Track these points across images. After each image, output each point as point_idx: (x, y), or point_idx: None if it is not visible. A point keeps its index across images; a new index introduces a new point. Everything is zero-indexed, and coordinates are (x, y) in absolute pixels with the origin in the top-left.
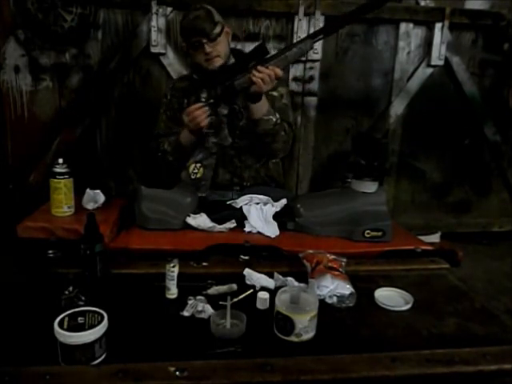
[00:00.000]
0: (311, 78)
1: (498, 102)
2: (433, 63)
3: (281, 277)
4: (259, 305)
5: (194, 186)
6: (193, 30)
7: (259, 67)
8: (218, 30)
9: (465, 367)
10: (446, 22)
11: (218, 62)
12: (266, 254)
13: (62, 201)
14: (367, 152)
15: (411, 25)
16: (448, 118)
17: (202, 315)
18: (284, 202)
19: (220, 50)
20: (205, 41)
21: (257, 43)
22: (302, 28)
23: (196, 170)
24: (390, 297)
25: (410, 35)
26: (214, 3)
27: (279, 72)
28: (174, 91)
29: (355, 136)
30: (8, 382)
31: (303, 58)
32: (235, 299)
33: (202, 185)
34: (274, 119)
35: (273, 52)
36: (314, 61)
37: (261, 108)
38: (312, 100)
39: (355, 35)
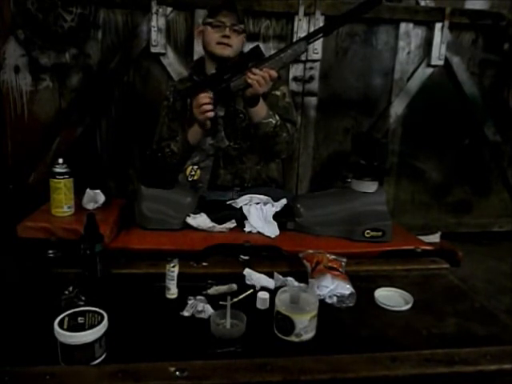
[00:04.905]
0: (311, 78)
1: (498, 102)
2: (433, 63)
3: (281, 277)
4: (259, 305)
5: (192, 189)
6: (227, 6)
7: (254, 69)
8: (243, 26)
9: (465, 367)
10: (446, 22)
11: (228, 50)
12: (266, 254)
13: (62, 201)
14: (367, 152)
15: (411, 25)
16: (448, 117)
17: (202, 315)
18: (284, 201)
19: (235, 43)
20: (229, 24)
21: (252, 45)
22: (302, 28)
23: (193, 172)
24: (390, 297)
25: (410, 35)
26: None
27: (274, 74)
28: (176, 94)
29: (355, 136)
30: (8, 382)
31: (303, 58)
32: (235, 299)
33: (200, 187)
34: (274, 121)
35: (272, 52)
36: (314, 61)
37: (259, 112)
38: (312, 100)
39: (355, 35)
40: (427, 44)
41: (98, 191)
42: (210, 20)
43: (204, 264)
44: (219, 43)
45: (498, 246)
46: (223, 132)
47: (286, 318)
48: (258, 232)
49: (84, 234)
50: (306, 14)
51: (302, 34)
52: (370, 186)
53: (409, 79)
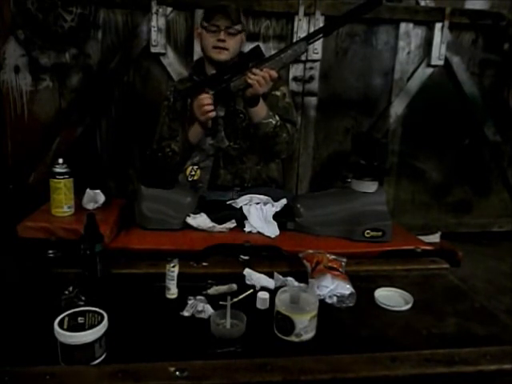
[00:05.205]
0: (311, 78)
1: (498, 102)
2: (433, 63)
3: (281, 277)
4: (259, 305)
5: (192, 189)
6: (220, 10)
7: (254, 69)
8: (239, 27)
9: (465, 367)
10: (446, 22)
11: (224, 54)
12: (266, 254)
13: (62, 201)
14: (367, 152)
15: (411, 25)
16: (448, 117)
17: (202, 315)
18: (284, 201)
19: (231, 46)
20: (223, 28)
21: (252, 45)
22: (302, 28)
23: (193, 172)
24: (390, 297)
25: (410, 35)
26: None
27: (274, 74)
28: (176, 94)
29: (355, 136)
30: (8, 381)
31: (303, 58)
32: (235, 299)
33: (200, 187)
34: (274, 122)
35: (272, 52)
36: (314, 61)
37: (259, 112)
38: (312, 100)
39: (355, 35)
40: (427, 44)
41: (98, 191)
42: (205, 24)
43: (204, 264)
44: (215, 47)
45: (498, 246)
46: (223, 132)
47: (285, 318)
48: (258, 232)
49: (84, 234)
50: (306, 14)
51: (302, 34)
52: (370, 186)
53: (409, 79)
